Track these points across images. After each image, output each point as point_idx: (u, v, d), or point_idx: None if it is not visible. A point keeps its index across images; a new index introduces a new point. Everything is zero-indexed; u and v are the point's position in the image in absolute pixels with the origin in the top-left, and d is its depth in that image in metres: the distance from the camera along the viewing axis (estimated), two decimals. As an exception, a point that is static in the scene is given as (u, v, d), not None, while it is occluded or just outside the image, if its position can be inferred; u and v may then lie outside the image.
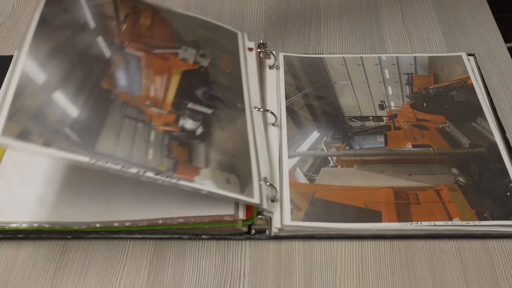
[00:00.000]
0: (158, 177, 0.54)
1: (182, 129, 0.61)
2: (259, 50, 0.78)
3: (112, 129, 0.57)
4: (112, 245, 0.60)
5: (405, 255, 0.58)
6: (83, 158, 0.52)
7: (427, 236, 0.59)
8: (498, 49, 0.82)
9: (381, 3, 0.91)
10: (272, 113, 0.70)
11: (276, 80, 0.76)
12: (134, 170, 0.53)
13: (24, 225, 0.58)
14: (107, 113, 0.58)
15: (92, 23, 0.67)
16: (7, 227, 0.58)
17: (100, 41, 0.65)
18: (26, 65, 0.55)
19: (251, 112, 0.69)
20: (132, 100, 0.61)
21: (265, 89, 0.75)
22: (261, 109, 0.70)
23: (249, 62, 0.76)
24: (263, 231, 0.60)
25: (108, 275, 0.57)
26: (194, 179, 0.56)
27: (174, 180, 0.55)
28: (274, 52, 0.79)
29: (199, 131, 0.62)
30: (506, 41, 0.84)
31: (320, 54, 0.82)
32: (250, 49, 0.78)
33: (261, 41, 0.81)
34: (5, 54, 0.83)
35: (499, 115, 0.71)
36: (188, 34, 0.74)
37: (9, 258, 0.58)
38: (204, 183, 0.57)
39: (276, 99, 0.74)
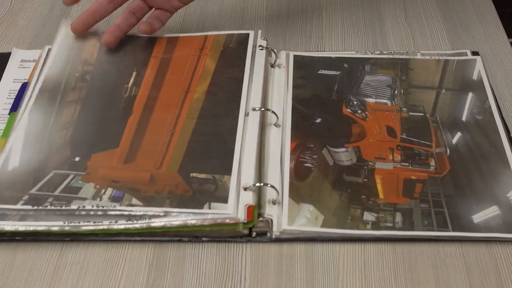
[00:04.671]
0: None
1: None
2: (260, 48, 0.77)
3: None
4: (111, 248, 0.59)
5: (408, 258, 0.57)
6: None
7: (431, 239, 0.58)
8: (502, 46, 0.81)
9: (384, -1, 0.90)
10: (273, 112, 0.69)
11: (284, 79, 0.75)
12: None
13: (22, 228, 0.57)
14: None
15: None
16: (4, 230, 0.57)
17: None
18: None
19: (246, 115, 0.68)
20: None
21: (270, 88, 0.74)
22: (261, 109, 0.68)
23: (257, 61, 0.75)
24: (264, 233, 0.59)
25: (107, 278, 0.56)
26: None
27: None
28: (275, 50, 0.78)
29: None
30: (509, 36, 0.83)
31: (327, 51, 0.81)
32: (262, 47, 0.77)
33: (262, 39, 0.80)
34: (3, 51, 0.81)
35: (503, 114, 0.70)
36: None
37: (7, 260, 0.58)
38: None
39: (283, 99, 0.72)
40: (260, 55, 0.76)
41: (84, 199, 0.60)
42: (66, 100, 0.71)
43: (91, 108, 0.70)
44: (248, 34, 0.79)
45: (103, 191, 0.61)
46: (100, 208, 0.59)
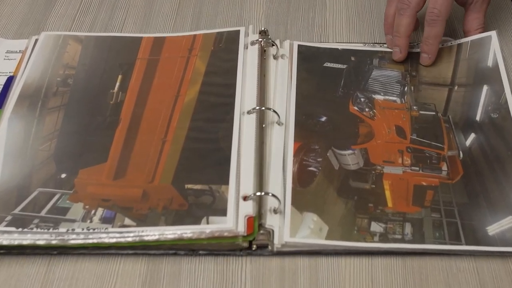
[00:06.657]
0: None
1: None
2: (260, 39, 0.72)
3: None
4: (101, 262, 0.55)
5: (419, 273, 0.54)
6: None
7: (443, 253, 0.55)
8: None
9: (391, -16, 0.85)
10: (274, 111, 0.64)
11: (288, 71, 0.70)
12: None
13: (5, 242, 0.54)
14: None
15: None
16: (-13, 243, 0.54)
17: None
18: None
19: (241, 118, 0.64)
20: None
21: (273, 82, 0.69)
22: (259, 108, 0.64)
23: (249, 58, 0.70)
24: (265, 246, 0.55)
25: (97, 295, 0.53)
26: None
27: None
28: (277, 40, 0.74)
29: None
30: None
31: (330, 41, 0.76)
32: (254, 43, 0.72)
33: (263, 28, 0.75)
34: (-13, 41, 0.77)
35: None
36: None
37: (-10, 276, 0.54)
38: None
39: (286, 94, 0.68)
40: (253, 51, 0.71)
41: (73, 221, 0.56)
42: (48, 107, 0.67)
43: (75, 115, 0.66)
44: (238, 31, 0.74)
45: (93, 211, 0.57)
46: (91, 231, 0.55)
